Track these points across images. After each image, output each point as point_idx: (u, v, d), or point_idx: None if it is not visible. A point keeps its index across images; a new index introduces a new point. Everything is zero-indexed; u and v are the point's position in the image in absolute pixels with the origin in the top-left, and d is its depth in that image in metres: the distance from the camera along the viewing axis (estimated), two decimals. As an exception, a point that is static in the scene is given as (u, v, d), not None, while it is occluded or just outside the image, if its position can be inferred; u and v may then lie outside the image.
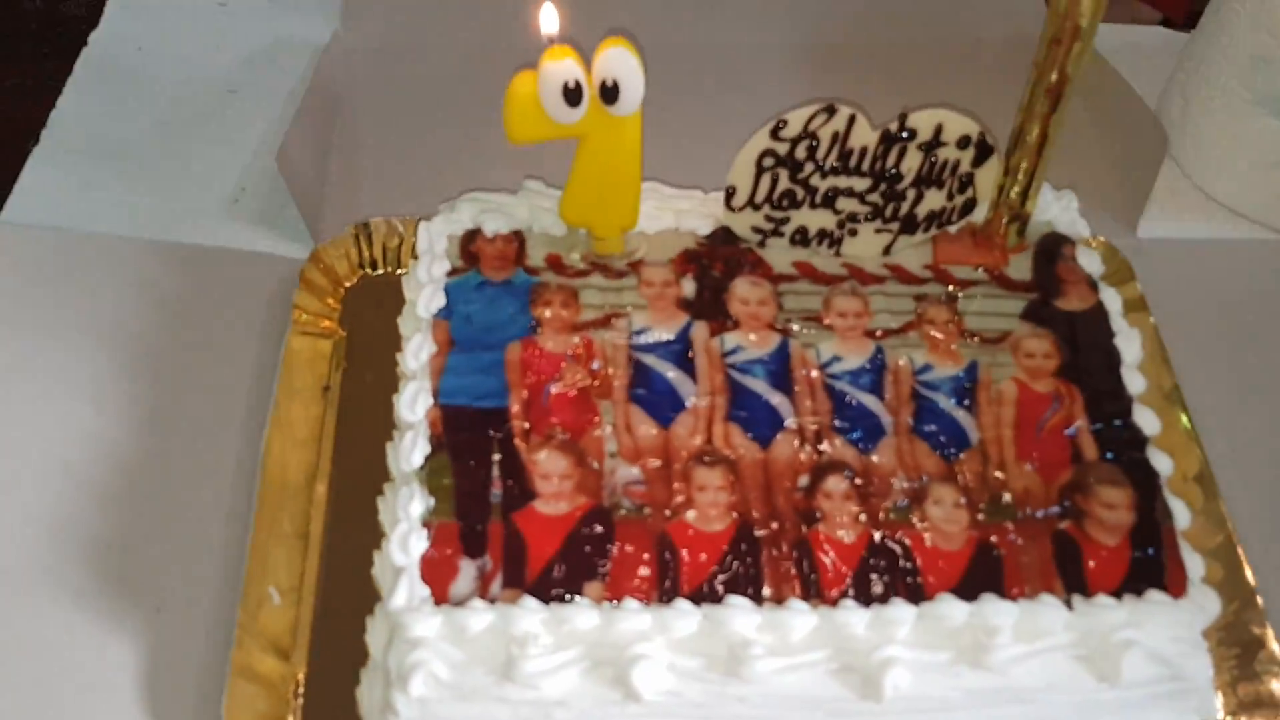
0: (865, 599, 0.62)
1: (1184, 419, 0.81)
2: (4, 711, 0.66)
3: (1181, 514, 0.67)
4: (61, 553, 0.71)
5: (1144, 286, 0.88)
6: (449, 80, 0.98)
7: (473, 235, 0.76)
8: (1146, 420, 0.70)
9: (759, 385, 0.70)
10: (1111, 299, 0.76)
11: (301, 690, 0.68)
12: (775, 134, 0.72)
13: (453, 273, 0.74)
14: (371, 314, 0.84)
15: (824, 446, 0.68)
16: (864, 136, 0.72)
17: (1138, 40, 1.10)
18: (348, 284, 0.87)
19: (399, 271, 0.87)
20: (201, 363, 0.81)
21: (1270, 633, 0.71)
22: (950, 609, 0.61)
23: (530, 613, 0.59)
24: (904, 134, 0.72)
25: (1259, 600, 0.73)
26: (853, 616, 0.60)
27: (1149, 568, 0.64)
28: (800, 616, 0.60)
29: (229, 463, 0.77)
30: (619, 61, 0.65)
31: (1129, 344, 0.74)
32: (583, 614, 0.59)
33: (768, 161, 0.73)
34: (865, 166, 0.73)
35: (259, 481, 0.74)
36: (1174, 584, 0.64)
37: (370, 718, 0.65)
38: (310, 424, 0.80)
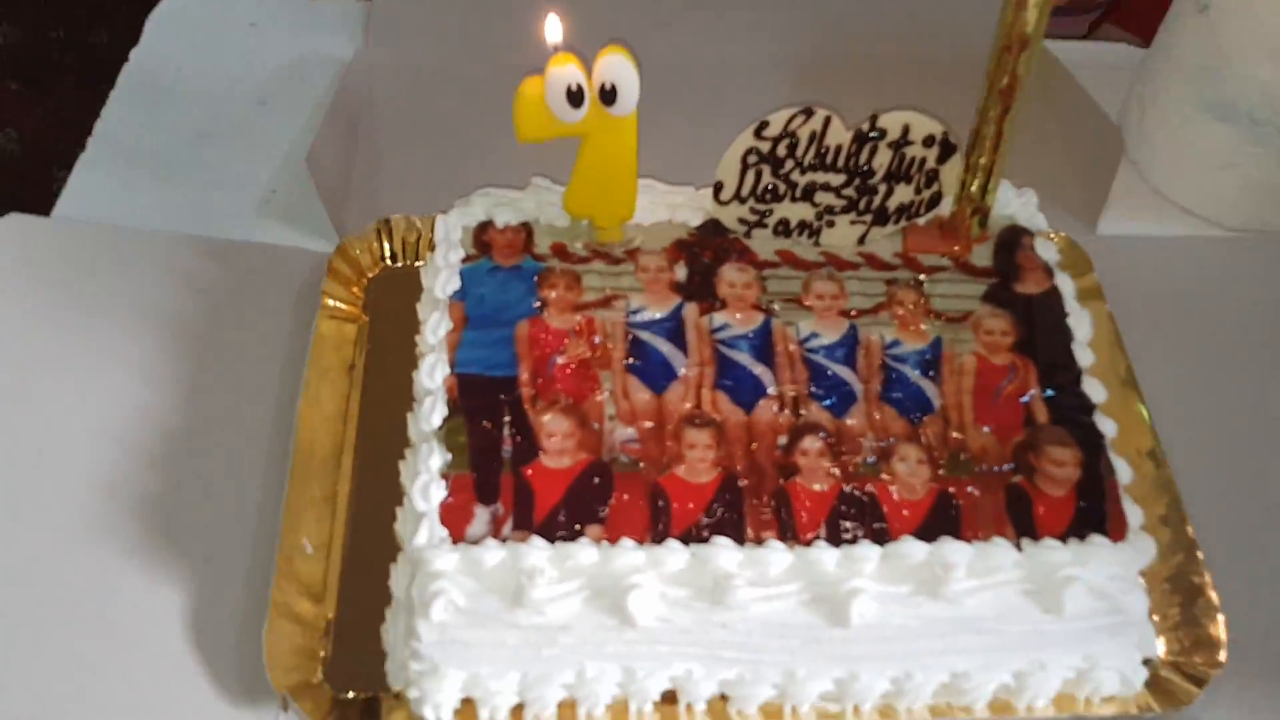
0: (835, 541, 0.69)
1: (1138, 400, 0.89)
2: (69, 649, 0.73)
3: (1124, 471, 0.74)
4: (117, 510, 0.78)
5: (1103, 279, 0.95)
6: (463, 90, 1.05)
7: (485, 226, 0.83)
8: (1094, 390, 0.77)
9: (744, 358, 0.77)
10: (1065, 283, 0.83)
11: (331, 628, 0.75)
12: (759, 134, 0.78)
13: (467, 259, 0.81)
14: (392, 301, 0.91)
15: (802, 411, 0.75)
16: (839, 136, 0.79)
17: (1103, 55, 1.18)
18: (370, 274, 0.94)
19: (417, 263, 0.95)
20: (239, 345, 0.88)
21: (1209, 580, 0.78)
22: (911, 548, 0.67)
23: (537, 550, 0.66)
24: (875, 133, 0.79)
25: (1199, 554, 0.80)
26: (824, 554, 0.67)
27: (1092, 515, 0.71)
28: (777, 554, 0.67)
29: (265, 433, 0.84)
30: (617, 66, 0.73)
31: (1080, 323, 0.81)
32: (584, 551, 0.66)
33: (752, 159, 0.80)
34: (840, 163, 0.80)
35: (292, 451, 0.81)
36: (1115, 529, 0.70)
37: (394, 647, 0.72)
38: (337, 400, 0.87)
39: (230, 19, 1.14)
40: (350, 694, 0.72)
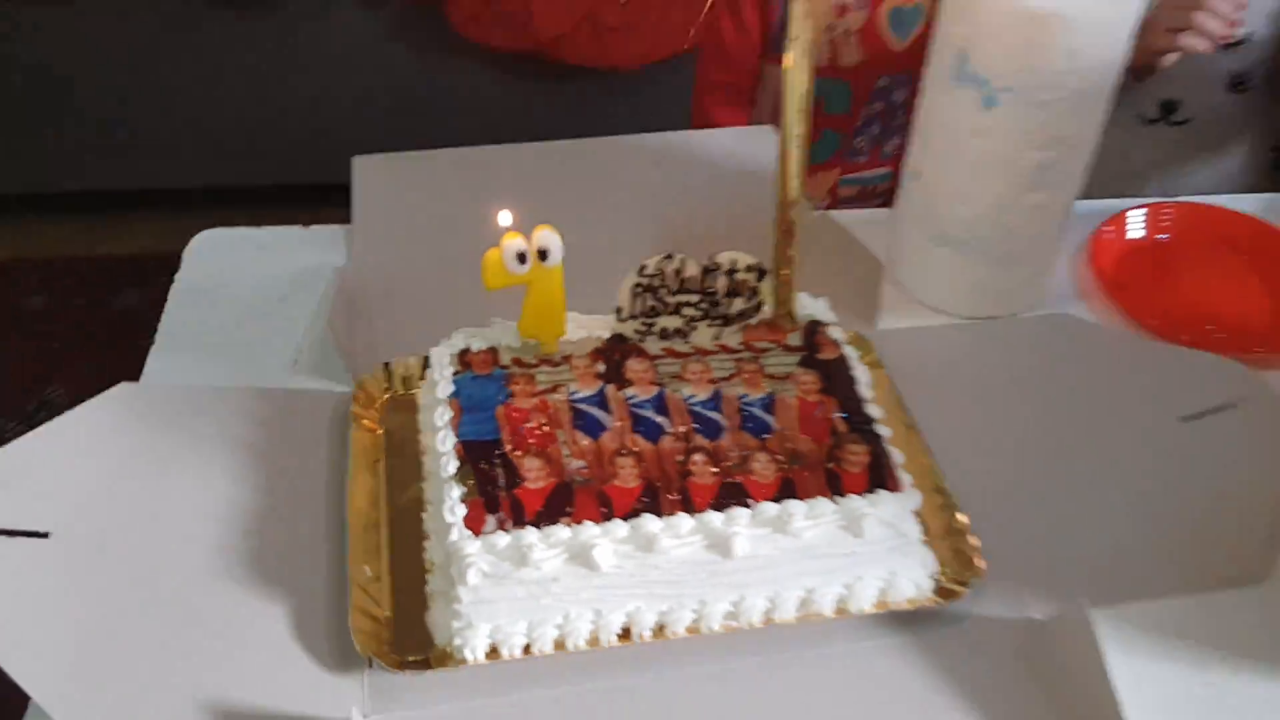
0: (720, 510, 1.06)
1: (918, 437, 1.29)
2: (211, 649, 1.04)
3: (897, 455, 1.14)
4: (228, 562, 1.11)
5: (882, 356, 1.38)
6: (434, 271, 1.42)
7: (465, 351, 1.17)
8: (874, 411, 1.18)
9: (649, 414, 1.13)
10: (851, 352, 1.26)
11: (390, 622, 1.08)
12: (640, 272, 1.10)
13: (455, 373, 1.19)
14: (399, 419, 1.26)
15: (690, 440, 1.14)
16: (692, 269, 1.10)
17: (875, 215, 1.67)
18: (379, 400, 1.31)
19: (412, 391, 1.32)
20: (294, 455, 1.21)
21: (968, 525, 1.18)
22: (768, 508, 1.04)
23: (530, 533, 1.03)
24: (714, 267, 1.12)
25: (959, 514, 1.19)
26: (714, 517, 1.03)
27: (879, 480, 1.09)
28: (684, 520, 1.02)
29: (322, 512, 1.17)
30: (548, 237, 1.09)
31: (862, 375, 1.22)
32: (561, 531, 1.02)
33: (638, 289, 1.10)
34: (695, 288, 1.15)
35: (347, 525, 1.16)
36: (893, 486, 1.08)
37: (436, 626, 1.06)
38: (369, 490, 1.21)
39: (246, 245, 1.52)
40: (411, 657, 1.06)
